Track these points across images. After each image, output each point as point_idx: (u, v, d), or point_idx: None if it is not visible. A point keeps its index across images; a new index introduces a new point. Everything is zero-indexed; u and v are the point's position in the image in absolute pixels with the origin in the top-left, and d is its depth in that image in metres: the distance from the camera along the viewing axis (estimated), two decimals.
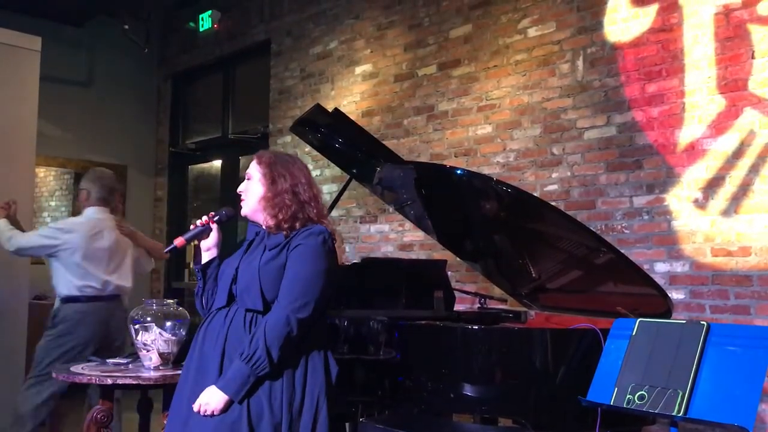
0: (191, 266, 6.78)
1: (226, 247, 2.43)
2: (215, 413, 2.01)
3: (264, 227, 2.24)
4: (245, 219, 2.30)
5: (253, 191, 2.24)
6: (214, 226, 2.34)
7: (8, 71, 4.52)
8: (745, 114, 3.41)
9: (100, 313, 3.73)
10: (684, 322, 1.99)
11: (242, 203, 2.27)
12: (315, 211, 2.22)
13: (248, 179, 2.28)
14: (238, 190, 2.29)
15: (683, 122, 3.62)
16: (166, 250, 2.42)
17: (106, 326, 3.74)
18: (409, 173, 3.04)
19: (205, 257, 2.35)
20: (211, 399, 2.02)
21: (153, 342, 2.78)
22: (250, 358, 2.01)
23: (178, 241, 2.32)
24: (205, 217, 2.35)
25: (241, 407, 2.01)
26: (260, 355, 2.01)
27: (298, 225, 2.17)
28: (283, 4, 6.02)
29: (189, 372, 2.17)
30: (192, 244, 2.36)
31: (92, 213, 3.82)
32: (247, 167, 2.32)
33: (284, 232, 2.17)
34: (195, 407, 2.04)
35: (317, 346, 2.16)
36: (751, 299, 3.34)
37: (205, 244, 2.34)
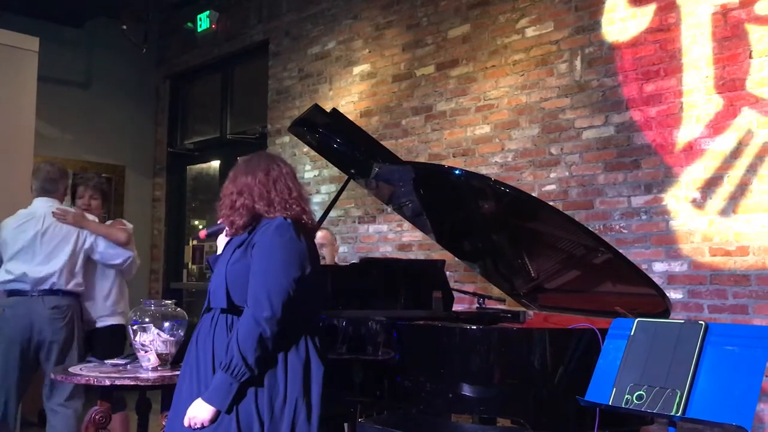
0: (190, 266, 6.78)
1: None
2: (204, 425, 2.01)
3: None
4: None
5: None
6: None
7: (6, 72, 4.53)
8: (743, 114, 3.42)
9: (19, 309, 3.55)
10: (682, 321, 1.99)
11: None
12: (265, 204, 2.19)
13: None
14: None
15: (681, 122, 3.62)
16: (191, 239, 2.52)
17: (28, 324, 3.53)
18: (408, 173, 3.04)
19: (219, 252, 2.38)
20: (198, 412, 2.03)
21: (151, 343, 2.77)
22: (228, 366, 2.01)
23: (202, 233, 2.39)
24: None
25: (230, 416, 2.01)
26: (237, 362, 2.00)
27: (242, 221, 2.19)
28: (281, 4, 6.02)
29: (185, 376, 2.17)
30: (191, 245, 2.41)
31: (34, 204, 3.72)
32: None
33: (246, 231, 2.21)
34: (185, 422, 2.04)
35: (296, 345, 2.13)
36: (750, 299, 3.34)
37: (220, 240, 2.38)
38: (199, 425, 2.02)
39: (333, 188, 5.22)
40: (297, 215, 2.20)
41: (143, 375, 2.69)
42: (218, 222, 2.35)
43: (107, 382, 2.64)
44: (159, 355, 2.77)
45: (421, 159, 4.73)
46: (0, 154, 4.39)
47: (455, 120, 4.64)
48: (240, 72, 6.66)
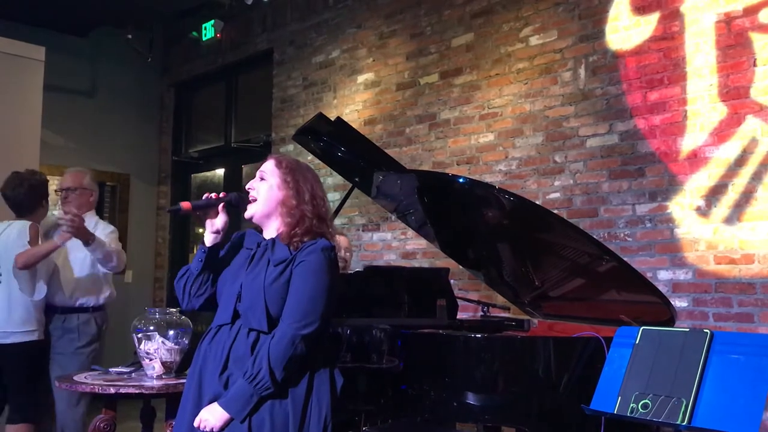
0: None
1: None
2: (214, 430, 2.00)
3: (270, 236, 2.17)
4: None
5: (270, 194, 2.16)
6: (222, 210, 2.20)
7: (13, 81, 4.55)
8: (747, 122, 3.41)
9: None
10: (687, 330, 1.99)
11: (253, 203, 2.17)
12: (327, 226, 2.16)
13: (262, 180, 2.18)
14: (248, 186, 2.18)
15: (685, 130, 3.62)
16: (169, 209, 2.30)
17: None
18: (411, 182, 3.04)
19: (211, 239, 2.21)
20: (212, 416, 2.00)
21: (156, 351, 2.77)
22: (253, 377, 1.98)
23: (185, 204, 2.17)
24: (221, 193, 2.22)
25: (242, 425, 1.99)
26: (264, 375, 1.97)
27: (307, 239, 2.11)
28: (286, 13, 6.05)
29: (190, 388, 2.14)
30: (194, 251, 2.32)
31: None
32: (253, 174, 2.23)
33: (291, 246, 2.11)
34: (195, 423, 2.03)
35: (322, 362, 2.12)
36: (755, 307, 3.33)
37: (214, 226, 2.20)
38: (208, 429, 2.00)
39: (337, 196, 5.22)
40: (333, 236, 2.20)
41: (148, 383, 2.69)
42: (209, 197, 2.17)
43: (112, 390, 2.64)
44: (163, 364, 2.77)
45: (425, 167, 4.73)
46: (6, 163, 4.39)
47: (459, 128, 4.64)
48: (244, 81, 6.68)
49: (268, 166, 2.20)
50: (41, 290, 3.52)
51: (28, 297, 3.49)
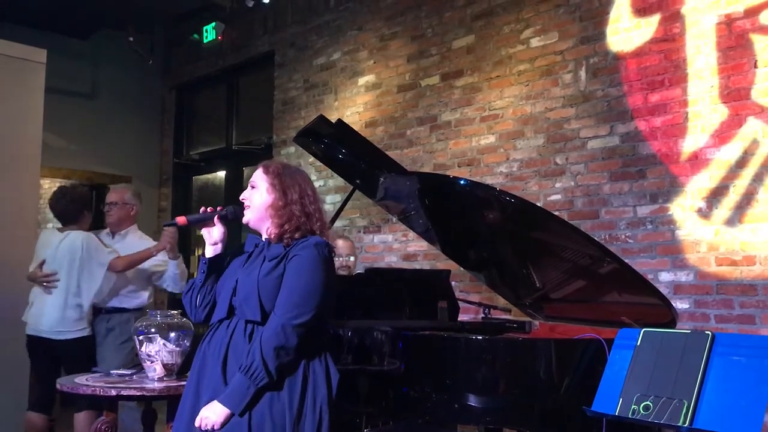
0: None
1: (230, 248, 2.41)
2: (215, 427, 2.01)
3: (265, 237, 2.24)
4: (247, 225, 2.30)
5: (259, 200, 2.23)
6: (218, 222, 2.31)
7: (14, 83, 4.55)
8: (749, 123, 3.42)
9: None
10: (689, 331, 1.98)
11: (246, 211, 2.25)
12: (318, 224, 2.22)
13: (253, 188, 2.26)
14: (241, 197, 2.27)
15: (686, 132, 3.62)
16: (166, 224, 2.42)
17: None
18: (413, 183, 3.04)
19: (210, 251, 2.33)
20: (212, 413, 2.02)
21: (157, 353, 2.77)
22: (247, 369, 2.01)
23: (180, 219, 2.30)
24: (217, 207, 2.32)
25: (242, 419, 2.01)
26: (257, 366, 2.01)
27: (298, 236, 2.17)
28: (287, 15, 6.05)
29: (191, 385, 2.16)
30: (197, 254, 2.36)
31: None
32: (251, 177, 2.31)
33: (284, 243, 2.17)
34: (197, 422, 2.04)
35: (318, 355, 2.15)
36: (756, 308, 3.33)
37: (212, 237, 2.32)
38: (210, 427, 2.01)
39: (338, 198, 5.23)
40: (329, 236, 2.25)
41: (149, 385, 2.69)
42: (206, 211, 2.28)
43: (113, 393, 2.64)
44: (165, 366, 2.77)
45: (426, 169, 4.73)
46: (7, 165, 4.40)
47: (460, 130, 4.64)
48: (245, 83, 6.69)
49: (257, 174, 2.29)
50: (93, 295, 3.88)
51: (84, 301, 3.81)
